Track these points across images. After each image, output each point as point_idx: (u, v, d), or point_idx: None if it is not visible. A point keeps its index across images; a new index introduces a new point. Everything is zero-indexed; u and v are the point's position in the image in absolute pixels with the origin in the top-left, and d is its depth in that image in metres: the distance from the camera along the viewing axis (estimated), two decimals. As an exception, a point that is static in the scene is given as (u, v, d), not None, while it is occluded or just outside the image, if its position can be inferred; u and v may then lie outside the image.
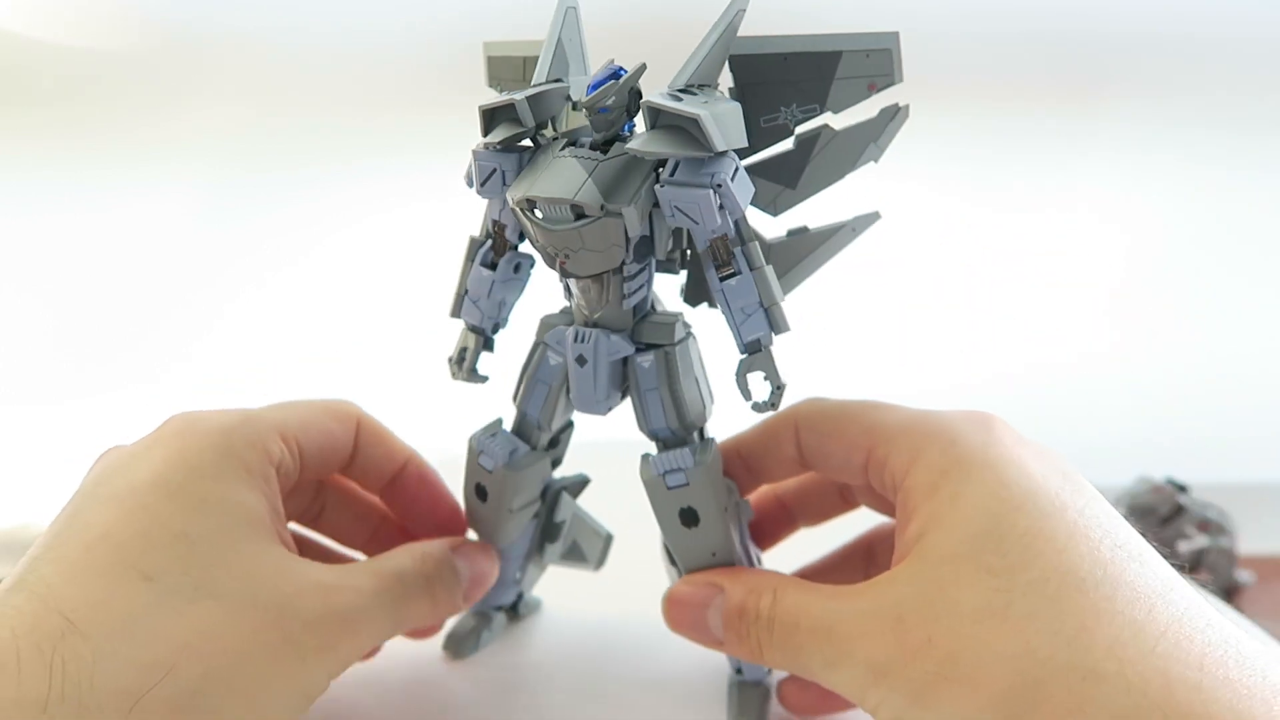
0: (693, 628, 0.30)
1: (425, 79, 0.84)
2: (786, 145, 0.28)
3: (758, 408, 0.28)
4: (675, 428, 0.30)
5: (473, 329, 0.33)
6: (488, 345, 0.33)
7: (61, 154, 0.89)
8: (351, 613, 0.26)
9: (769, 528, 0.36)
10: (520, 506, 0.35)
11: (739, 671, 0.34)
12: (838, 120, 0.28)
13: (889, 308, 0.93)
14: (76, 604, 0.22)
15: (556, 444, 0.35)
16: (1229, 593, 0.90)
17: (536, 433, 0.34)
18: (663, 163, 0.26)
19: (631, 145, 0.25)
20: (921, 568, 0.24)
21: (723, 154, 0.25)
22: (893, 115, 0.28)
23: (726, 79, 0.28)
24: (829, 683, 0.26)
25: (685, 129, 0.24)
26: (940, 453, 0.26)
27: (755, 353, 0.28)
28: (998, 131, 0.88)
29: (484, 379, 0.33)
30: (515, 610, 0.41)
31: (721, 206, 0.25)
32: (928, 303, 0.93)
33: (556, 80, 0.28)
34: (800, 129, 0.28)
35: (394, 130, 0.86)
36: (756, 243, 0.27)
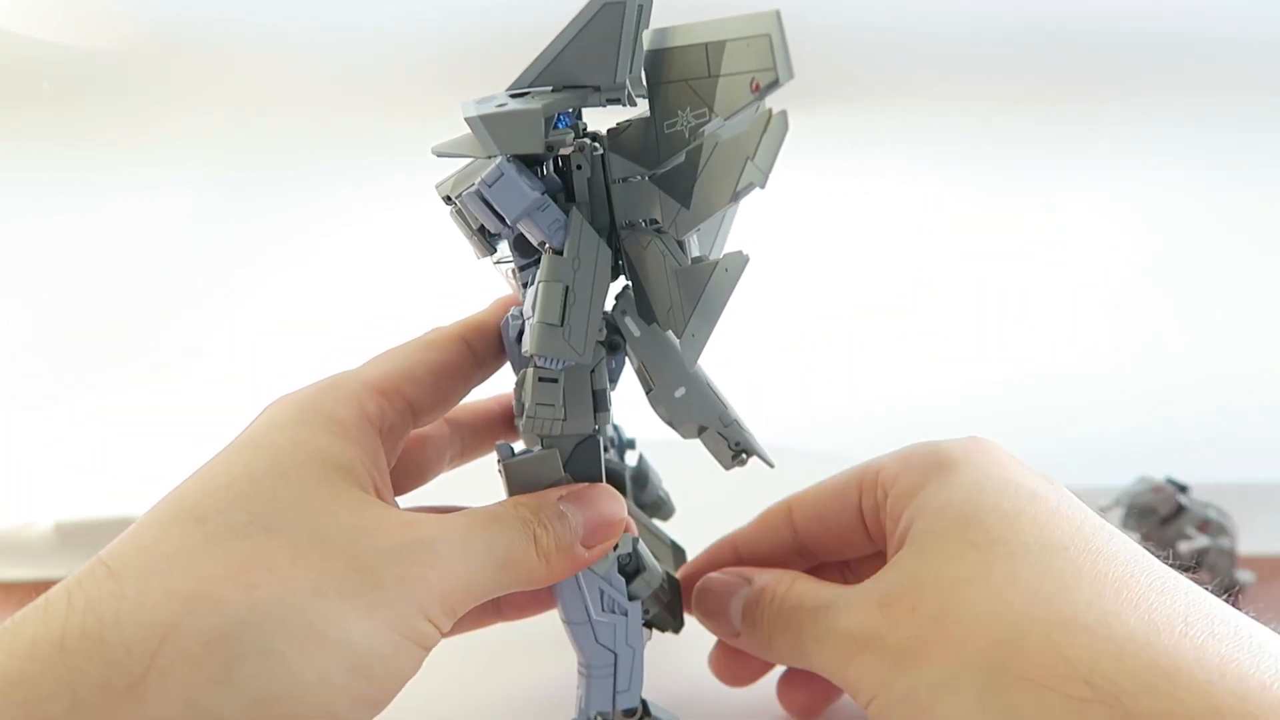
0: (716, 615, 0.30)
1: (423, 79, 0.84)
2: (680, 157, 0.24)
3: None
4: None
5: None
6: None
7: (60, 154, 0.89)
8: (435, 541, 0.23)
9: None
10: None
11: None
12: (729, 128, 0.23)
13: (891, 310, 0.93)
14: (120, 551, 0.22)
15: None
16: (1229, 593, 0.90)
17: None
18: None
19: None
20: (909, 551, 0.25)
21: (492, 157, 0.24)
22: (764, 126, 0.22)
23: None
24: (819, 664, 0.26)
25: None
26: (924, 460, 0.27)
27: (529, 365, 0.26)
28: (997, 132, 0.88)
29: None
30: None
31: (495, 211, 0.24)
32: (929, 304, 0.93)
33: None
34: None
35: (393, 130, 0.85)
36: (556, 257, 0.25)
